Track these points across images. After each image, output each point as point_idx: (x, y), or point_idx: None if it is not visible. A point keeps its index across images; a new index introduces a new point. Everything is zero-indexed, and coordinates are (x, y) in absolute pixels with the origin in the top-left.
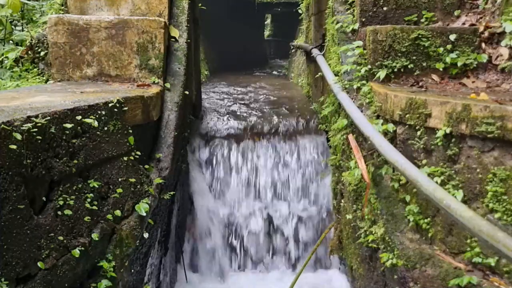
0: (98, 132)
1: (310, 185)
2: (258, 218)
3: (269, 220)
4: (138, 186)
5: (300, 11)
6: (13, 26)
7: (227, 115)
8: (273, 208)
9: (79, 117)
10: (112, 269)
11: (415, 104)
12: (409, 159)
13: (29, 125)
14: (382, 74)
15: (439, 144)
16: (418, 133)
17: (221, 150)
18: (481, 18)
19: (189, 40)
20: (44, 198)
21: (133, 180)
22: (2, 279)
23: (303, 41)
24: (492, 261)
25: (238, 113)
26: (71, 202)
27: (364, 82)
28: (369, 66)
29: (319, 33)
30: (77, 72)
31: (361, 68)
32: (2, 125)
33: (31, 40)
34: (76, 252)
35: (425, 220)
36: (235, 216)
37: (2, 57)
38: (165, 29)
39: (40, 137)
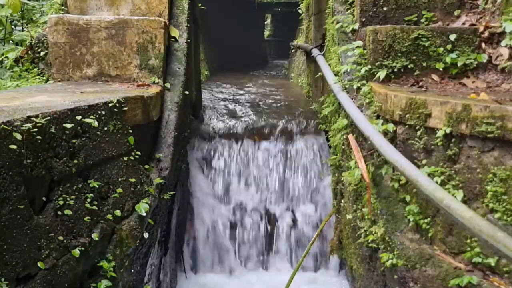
0: (98, 132)
1: (310, 185)
2: (258, 218)
3: (270, 219)
4: (138, 186)
5: (300, 11)
6: (13, 26)
7: (227, 115)
8: (273, 207)
9: (79, 117)
10: (112, 269)
11: (415, 104)
12: (409, 159)
13: (29, 125)
14: (382, 74)
15: (439, 144)
16: (418, 133)
17: (221, 150)
18: (481, 18)
19: (189, 40)
20: (44, 198)
21: (133, 180)
22: (2, 279)
23: (303, 41)
24: (492, 261)
25: (238, 113)
26: (71, 202)
27: (364, 82)
28: (369, 66)
29: (319, 33)
30: (77, 72)
31: (361, 68)
32: (2, 125)
33: (31, 40)
34: (76, 252)
35: (425, 220)
36: (235, 216)
37: (2, 57)
38: (165, 29)
39: (40, 137)
